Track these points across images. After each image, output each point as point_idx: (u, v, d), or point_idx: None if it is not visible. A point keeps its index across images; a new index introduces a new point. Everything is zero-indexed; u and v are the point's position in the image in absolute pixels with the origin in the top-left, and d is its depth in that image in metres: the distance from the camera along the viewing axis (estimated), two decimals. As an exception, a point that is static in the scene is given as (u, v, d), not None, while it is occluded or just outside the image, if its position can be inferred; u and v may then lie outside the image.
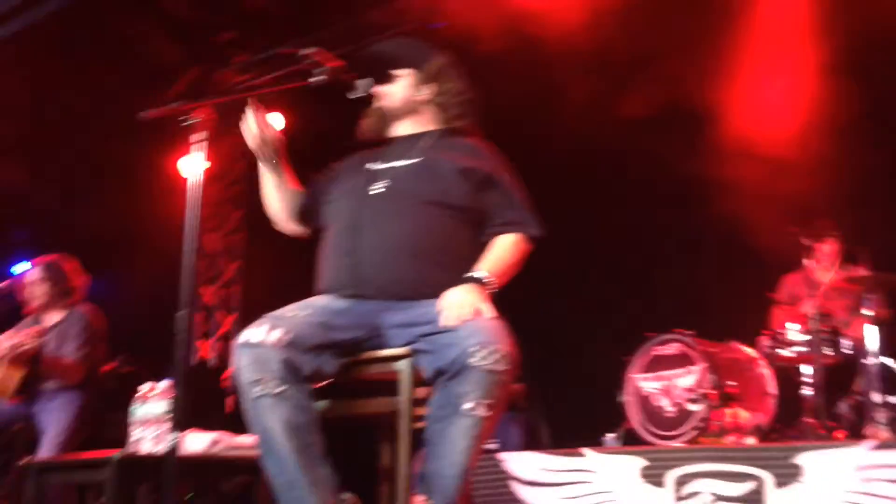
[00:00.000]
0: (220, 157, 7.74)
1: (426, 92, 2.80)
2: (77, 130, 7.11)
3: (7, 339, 4.23)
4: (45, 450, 4.00)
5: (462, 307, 2.42)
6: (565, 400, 6.06)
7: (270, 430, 2.34)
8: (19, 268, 4.92)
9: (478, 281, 2.52)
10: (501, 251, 2.63)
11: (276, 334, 2.40)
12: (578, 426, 5.54)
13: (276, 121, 7.28)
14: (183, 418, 2.31)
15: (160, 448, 2.91)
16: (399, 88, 2.79)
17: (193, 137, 2.48)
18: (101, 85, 7.18)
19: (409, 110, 2.80)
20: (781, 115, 5.48)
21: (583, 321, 6.37)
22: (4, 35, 5.95)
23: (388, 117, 2.80)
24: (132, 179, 7.38)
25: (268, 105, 7.49)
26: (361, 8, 6.71)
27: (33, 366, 4.10)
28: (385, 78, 2.79)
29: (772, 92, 5.50)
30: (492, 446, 4.57)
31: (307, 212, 2.88)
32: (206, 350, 7.88)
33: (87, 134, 7.12)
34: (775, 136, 5.59)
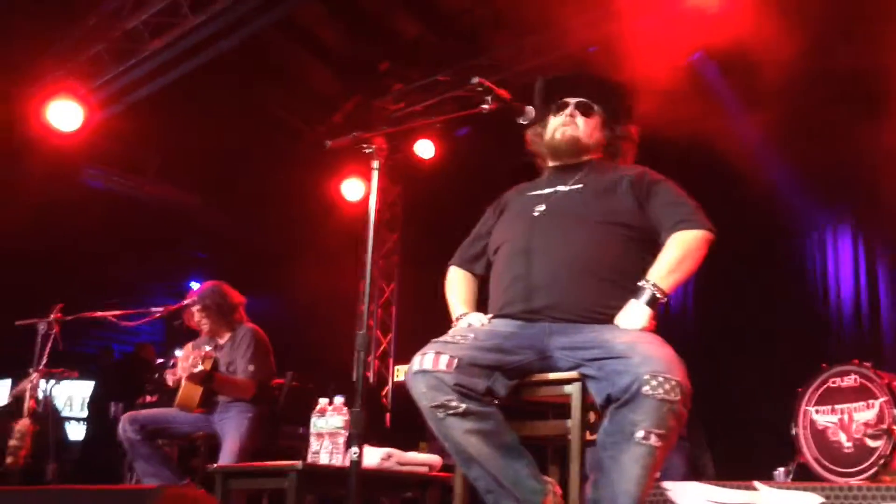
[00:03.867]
0: (379, 182, 7.96)
1: (609, 133, 2.86)
2: (246, 157, 7.54)
3: (187, 356, 4.51)
4: (226, 456, 4.22)
5: (632, 330, 2.43)
6: (732, 431, 5.85)
7: (463, 443, 2.42)
8: (194, 287, 5.25)
9: (646, 297, 2.50)
10: (673, 249, 2.59)
11: (445, 359, 2.46)
12: (745, 458, 5.33)
13: (429, 147, 7.51)
14: (362, 433, 2.40)
15: (336, 460, 3.04)
16: (592, 124, 2.84)
17: (373, 165, 2.58)
18: (267, 115, 7.60)
19: (591, 147, 2.85)
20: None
21: (753, 349, 6.15)
22: (182, 72, 6.39)
23: (570, 147, 2.83)
24: (296, 202, 7.76)
25: (420, 134, 7.72)
26: (515, 33, 6.78)
27: (207, 383, 4.35)
28: (582, 109, 2.84)
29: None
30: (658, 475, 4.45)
31: (480, 260, 2.94)
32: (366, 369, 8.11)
33: (259, 160, 7.54)
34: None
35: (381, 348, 8.18)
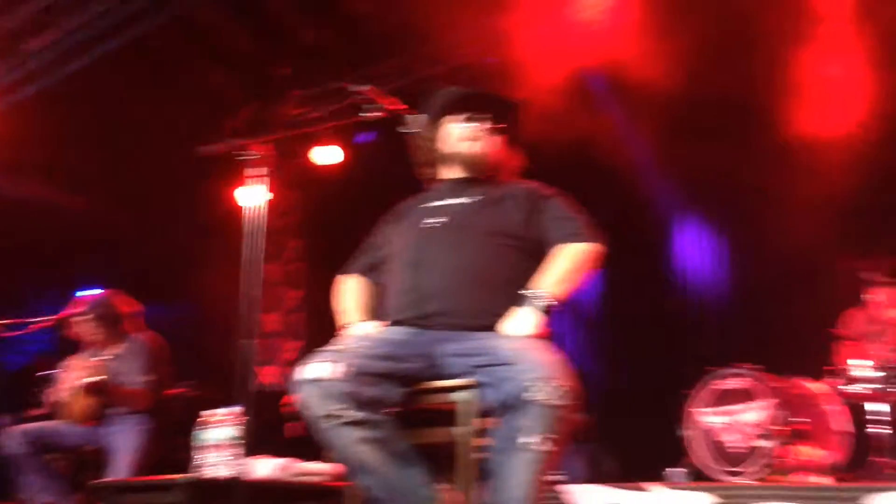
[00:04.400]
0: (277, 187, 7.85)
1: (500, 146, 2.88)
2: (142, 161, 7.31)
3: (74, 368, 4.35)
4: (116, 471, 4.10)
5: (520, 337, 2.45)
6: (630, 433, 5.98)
7: (354, 452, 2.40)
8: (81, 295, 5.06)
9: (536, 304, 2.52)
10: (562, 260, 2.62)
11: (336, 367, 2.43)
12: (644, 459, 5.45)
13: (331, 153, 7.44)
14: (251, 444, 2.35)
15: (225, 472, 2.95)
16: (495, 142, 2.87)
17: (249, 171, 2.52)
18: (164, 117, 7.39)
19: (494, 164, 2.87)
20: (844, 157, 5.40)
21: (647, 354, 6.31)
22: (72, 70, 6.16)
23: (472, 161, 2.85)
24: (196, 208, 7.56)
25: (323, 139, 7.66)
26: (414, 43, 6.80)
27: (102, 394, 4.21)
28: (486, 125, 2.85)
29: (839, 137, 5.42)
30: (557, 478, 4.51)
31: (377, 270, 2.92)
32: (267, 377, 7.97)
33: (152, 165, 7.32)
34: (842, 180, 5.52)
35: (287, 356, 8.05)
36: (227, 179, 7.42)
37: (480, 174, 2.85)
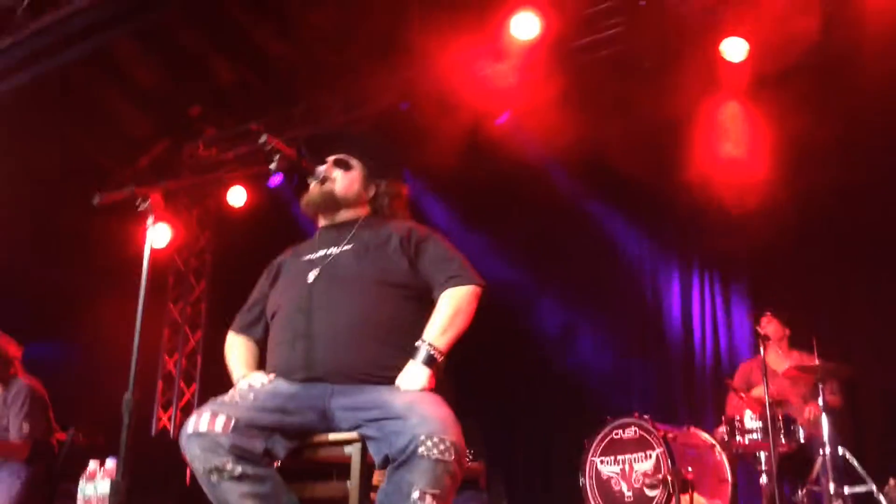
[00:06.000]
0: (184, 228, 7.76)
1: (372, 188, 2.91)
2: (45, 195, 7.09)
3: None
4: None
5: (410, 391, 2.47)
6: (528, 482, 6.03)
7: None
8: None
9: (424, 357, 2.54)
10: (446, 308, 2.64)
11: (222, 420, 2.41)
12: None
13: (240, 195, 7.38)
14: (139, 493, 2.29)
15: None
16: (350, 178, 2.88)
17: (147, 220, 2.50)
18: (72, 153, 7.22)
19: (350, 201, 2.88)
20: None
21: (547, 403, 6.40)
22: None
23: (326, 203, 2.85)
24: (99, 246, 7.36)
25: (232, 181, 7.55)
26: (330, 85, 6.85)
27: None
28: (340, 165, 2.87)
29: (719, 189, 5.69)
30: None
31: (259, 326, 2.90)
32: (167, 420, 7.75)
33: (56, 201, 7.11)
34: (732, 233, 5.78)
35: (186, 399, 7.85)
36: (132, 220, 7.25)
37: (338, 214, 2.85)
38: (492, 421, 6.25)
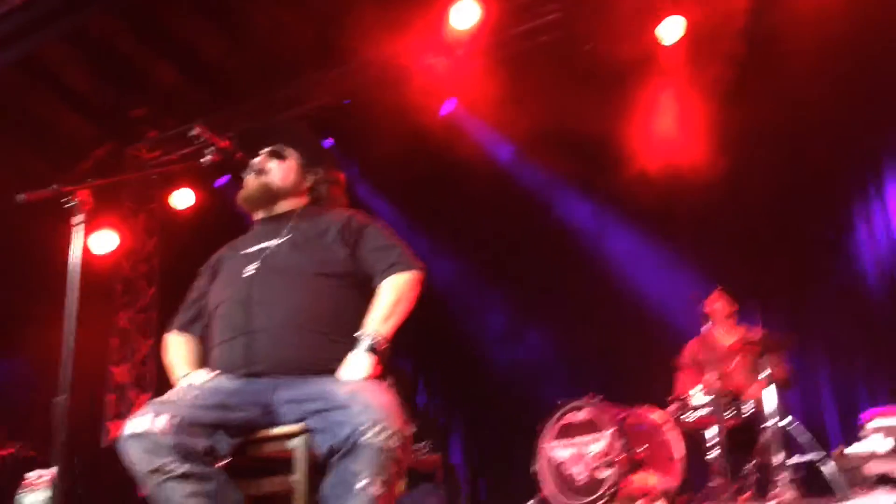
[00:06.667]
0: (132, 233, 7.64)
1: (310, 177, 2.89)
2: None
3: None
4: None
5: (353, 381, 2.45)
6: (483, 470, 6.04)
7: None
8: None
9: (366, 346, 2.53)
10: (387, 295, 2.64)
11: (163, 420, 2.37)
12: (497, 497, 5.53)
13: (187, 197, 7.29)
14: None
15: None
16: (285, 168, 2.86)
17: (74, 219, 2.45)
18: (9, 160, 7.06)
19: (289, 191, 2.85)
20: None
21: (501, 394, 6.42)
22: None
23: (264, 195, 2.83)
24: (39, 255, 7.20)
25: (178, 183, 7.50)
26: (272, 84, 6.81)
27: None
28: (274, 155, 2.85)
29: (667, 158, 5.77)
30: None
31: (198, 323, 2.87)
32: (117, 430, 7.61)
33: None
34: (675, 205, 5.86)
35: (138, 407, 7.72)
36: (63, 227, 7.11)
37: (276, 206, 2.83)
38: (449, 414, 6.27)
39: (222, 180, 7.36)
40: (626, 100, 5.76)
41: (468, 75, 5.92)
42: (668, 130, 5.80)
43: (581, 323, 6.56)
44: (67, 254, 7.41)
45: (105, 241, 7.31)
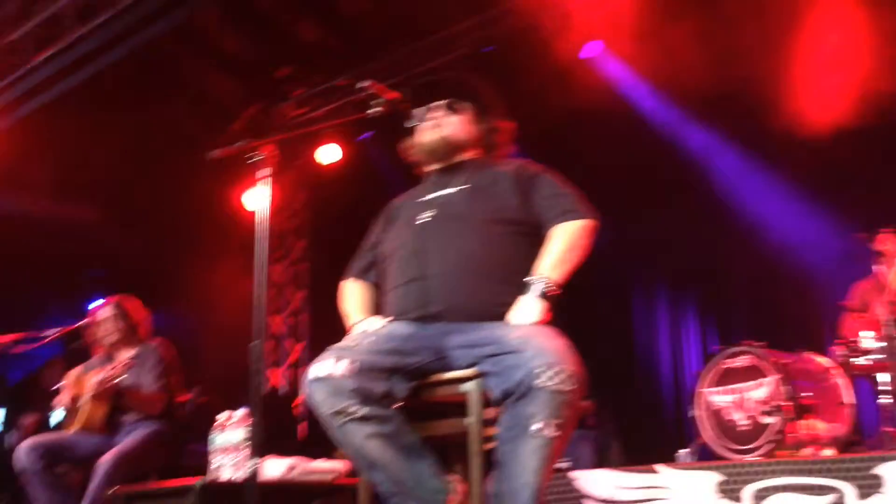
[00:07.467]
0: (282, 188, 7.93)
1: (482, 128, 2.91)
2: (144, 170, 7.35)
3: (82, 375, 4.37)
4: (102, 461, 3.99)
5: (525, 325, 2.47)
6: (637, 416, 6.00)
7: (364, 448, 2.43)
8: (94, 306, 5.09)
9: (538, 291, 2.54)
10: (559, 242, 2.64)
11: (344, 364, 2.47)
12: (651, 443, 5.49)
13: (333, 152, 7.48)
14: (260, 445, 2.38)
15: (240, 474, 2.99)
16: (461, 122, 2.89)
17: (259, 173, 2.57)
18: (167, 125, 7.43)
19: (464, 144, 2.89)
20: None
21: (654, 336, 6.34)
22: (74, 82, 6.20)
23: (442, 148, 2.87)
24: (199, 214, 7.60)
25: (325, 138, 7.69)
26: (413, 38, 6.83)
27: (116, 399, 4.23)
28: (450, 109, 2.88)
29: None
30: (563, 465, 4.54)
31: (374, 270, 2.94)
32: (276, 378, 8.01)
33: (154, 173, 7.36)
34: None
35: (293, 357, 8.10)
36: (225, 184, 7.46)
37: (453, 158, 2.86)
38: (598, 356, 6.24)
39: (367, 135, 7.50)
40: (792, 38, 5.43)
41: (612, 14, 5.73)
42: (832, 67, 5.45)
43: (733, 271, 6.36)
44: (218, 210, 7.77)
45: (260, 195, 7.58)
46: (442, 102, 2.88)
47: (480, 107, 2.92)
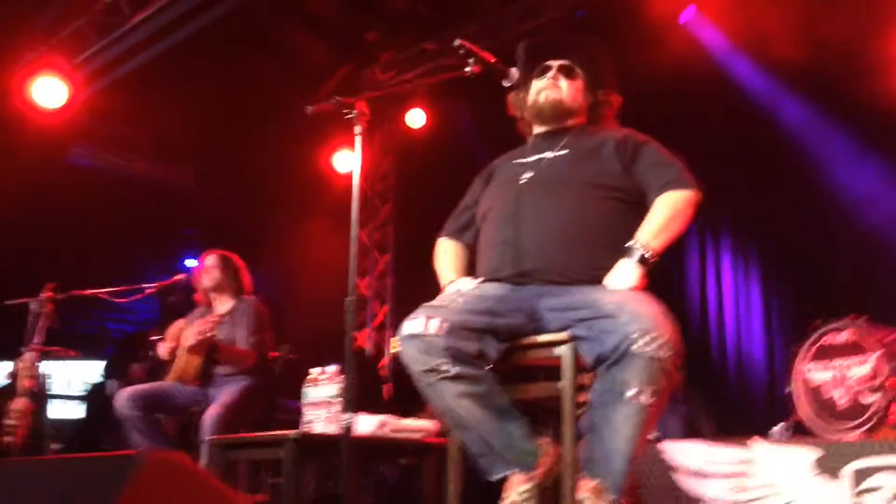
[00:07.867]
0: (367, 153, 7.94)
1: (591, 97, 2.85)
2: (235, 131, 7.48)
3: (183, 327, 4.49)
4: (208, 418, 4.10)
5: (621, 290, 2.42)
6: (727, 392, 5.86)
7: (455, 407, 2.42)
8: (190, 263, 5.21)
9: (636, 257, 2.48)
10: (662, 210, 2.58)
11: (436, 323, 2.45)
12: (741, 419, 5.35)
13: (420, 117, 7.47)
14: (353, 400, 2.40)
15: (332, 428, 3.04)
16: (575, 87, 2.83)
17: (355, 130, 2.56)
18: (257, 86, 7.54)
19: (574, 111, 2.83)
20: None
21: (748, 307, 6.16)
22: (170, 43, 6.31)
23: (553, 111, 2.81)
24: (289, 175, 7.71)
25: (411, 103, 7.67)
26: (503, 2, 6.73)
27: (210, 352, 4.33)
28: (565, 72, 2.81)
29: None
30: (652, 436, 4.46)
31: (471, 230, 2.92)
32: (362, 340, 8.11)
33: (245, 134, 7.48)
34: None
35: (378, 319, 8.18)
36: (314, 146, 7.53)
37: (561, 123, 2.81)
38: (688, 326, 6.11)
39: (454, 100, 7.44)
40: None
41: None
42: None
43: (832, 244, 6.10)
44: (307, 171, 7.83)
45: (345, 161, 7.69)
46: (561, 62, 2.81)
47: (593, 75, 2.86)
